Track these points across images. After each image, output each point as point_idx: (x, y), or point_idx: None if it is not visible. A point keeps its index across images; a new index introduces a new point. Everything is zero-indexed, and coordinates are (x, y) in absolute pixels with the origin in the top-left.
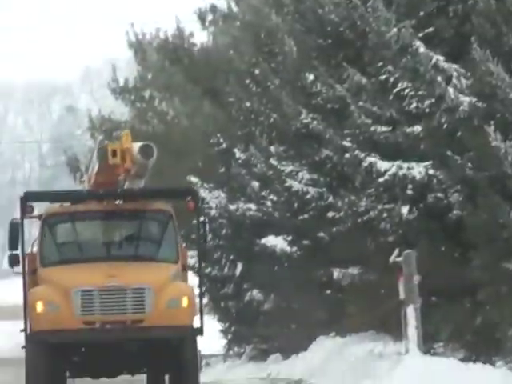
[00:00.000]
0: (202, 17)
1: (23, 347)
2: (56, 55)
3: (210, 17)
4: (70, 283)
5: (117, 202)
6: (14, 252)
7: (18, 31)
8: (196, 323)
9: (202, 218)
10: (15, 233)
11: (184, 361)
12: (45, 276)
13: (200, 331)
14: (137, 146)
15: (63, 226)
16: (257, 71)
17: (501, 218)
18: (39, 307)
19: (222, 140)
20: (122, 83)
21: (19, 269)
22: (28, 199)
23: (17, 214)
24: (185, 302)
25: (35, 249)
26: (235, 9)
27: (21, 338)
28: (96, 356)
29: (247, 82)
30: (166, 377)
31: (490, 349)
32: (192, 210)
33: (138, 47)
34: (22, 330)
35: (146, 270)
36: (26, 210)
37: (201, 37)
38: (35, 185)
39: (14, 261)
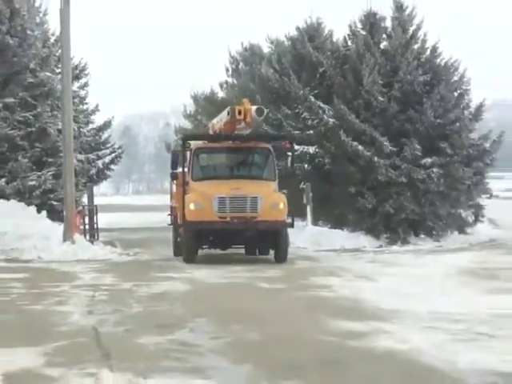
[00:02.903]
0: (221, 85)
1: (169, 224)
2: (159, 97)
3: (224, 85)
4: (211, 192)
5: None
6: (174, 171)
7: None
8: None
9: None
10: (175, 159)
11: (280, 241)
12: (194, 187)
13: (291, 224)
14: (254, 107)
15: (205, 155)
16: None
17: (346, 170)
18: (192, 206)
19: None
20: (188, 112)
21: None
22: (187, 138)
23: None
24: (281, 205)
25: (186, 169)
26: (236, 82)
27: (164, 218)
28: (223, 237)
29: None
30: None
31: (341, 224)
32: (288, 147)
33: (195, 97)
34: (168, 214)
35: (258, 185)
36: (186, 146)
37: (220, 93)
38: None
39: (174, 176)
